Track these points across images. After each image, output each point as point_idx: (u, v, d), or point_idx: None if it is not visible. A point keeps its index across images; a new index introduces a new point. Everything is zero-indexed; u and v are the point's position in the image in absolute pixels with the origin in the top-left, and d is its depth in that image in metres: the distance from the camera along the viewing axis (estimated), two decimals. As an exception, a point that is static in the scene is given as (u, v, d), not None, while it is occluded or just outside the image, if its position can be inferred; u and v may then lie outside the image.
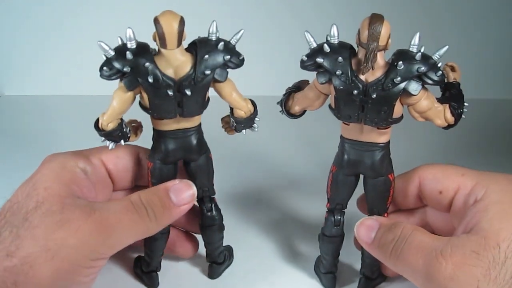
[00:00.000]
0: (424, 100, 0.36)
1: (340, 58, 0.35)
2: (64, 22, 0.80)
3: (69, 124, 0.73)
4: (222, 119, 0.41)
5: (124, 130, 0.37)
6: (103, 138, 0.37)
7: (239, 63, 0.36)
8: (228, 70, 0.36)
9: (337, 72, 0.35)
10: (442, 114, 0.36)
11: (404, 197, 0.41)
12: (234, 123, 0.39)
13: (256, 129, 0.40)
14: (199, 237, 0.45)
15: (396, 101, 0.35)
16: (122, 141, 0.37)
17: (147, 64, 0.34)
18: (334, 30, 0.35)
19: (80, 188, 0.37)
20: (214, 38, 0.36)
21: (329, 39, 0.36)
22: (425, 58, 0.34)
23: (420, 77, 0.34)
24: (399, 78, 0.34)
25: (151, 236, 0.40)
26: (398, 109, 0.36)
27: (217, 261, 0.44)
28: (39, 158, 0.39)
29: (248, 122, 0.39)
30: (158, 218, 0.36)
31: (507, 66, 0.85)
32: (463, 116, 0.37)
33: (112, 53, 0.34)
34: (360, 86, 0.35)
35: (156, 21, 0.34)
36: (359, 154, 0.38)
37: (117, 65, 0.34)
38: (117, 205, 0.36)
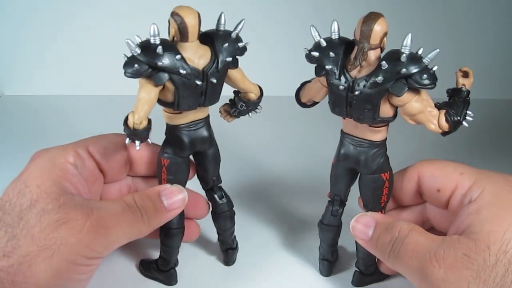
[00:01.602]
0: (415, 103, 0.35)
1: (331, 53, 0.36)
2: (65, 22, 0.80)
3: (69, 124, 0.73)
4: (220, 108, 0.43)
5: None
6: (129, 139, 0.35)
7: (244, 50, 0.38)
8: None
9: (327, 67, 0.36)
10: (435, 119, 0.35)
11: (403, 193, 0.41)
12: (244, 106, 0.42)
13: (259, 111, 0.43)
14: (205, 225, 0.47)
15: (379, 100, 0.35)
16: (148, 140, 0.36)
17: (178, 56, 0.34)
18: (334, 26, 0.37)
19: (73, 185, 0.37)
20: (223, 29, 0.37)
21: (330, 34, 0.37)
22: (413, 60, 0.33)
23: (407, 79, 0.34)
24: (380, 78, 0.34)
25: (168, 233, 0.41)
26: (386, 109, 0.36)
27: (232, 246, 0.46)
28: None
29: (255, 105, 0.42)
30: (151, 221, 0.37)
31: (507, 66, 0.81)
32: (465, 124, 0.36)
33: (139, 50, 0.34)
34: (347, 82, 0.35)
35: (176, 14, 0.34)
36: (354, 149, 0.39)
37: (146, 60, 0.33)
38: (114, 205, 0.36)
